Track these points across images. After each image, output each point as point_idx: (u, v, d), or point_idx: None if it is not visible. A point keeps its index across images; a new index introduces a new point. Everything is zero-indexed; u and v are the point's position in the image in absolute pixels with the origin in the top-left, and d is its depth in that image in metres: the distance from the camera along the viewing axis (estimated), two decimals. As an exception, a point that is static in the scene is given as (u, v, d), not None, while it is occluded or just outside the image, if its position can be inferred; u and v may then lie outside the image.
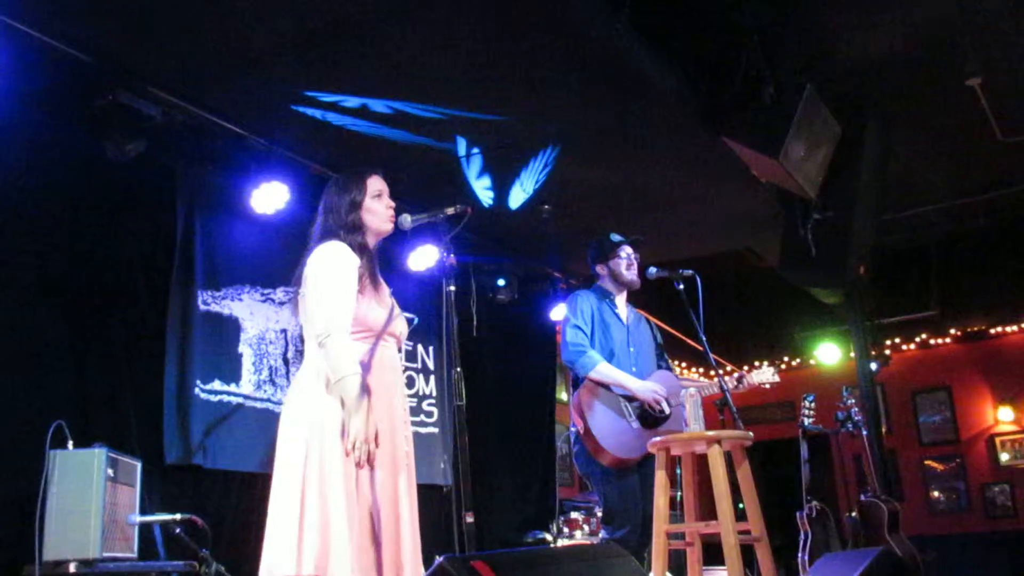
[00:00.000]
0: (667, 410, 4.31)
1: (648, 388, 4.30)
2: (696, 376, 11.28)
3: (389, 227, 3.07)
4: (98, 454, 3.59)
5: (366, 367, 2.80)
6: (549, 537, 6.70)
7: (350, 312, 2.79)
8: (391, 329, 2.93)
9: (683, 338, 8.68)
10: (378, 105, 5.13)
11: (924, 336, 10.13)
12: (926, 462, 9.97)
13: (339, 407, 2.70)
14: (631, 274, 4.58)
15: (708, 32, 4.88)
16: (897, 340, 10.20)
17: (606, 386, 4.32)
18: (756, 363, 10.99)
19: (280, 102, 4.98)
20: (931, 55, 5.15)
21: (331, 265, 2.84)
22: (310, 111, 5.08)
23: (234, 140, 5.12)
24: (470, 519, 2.77)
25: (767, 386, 4.59)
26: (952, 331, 10.00)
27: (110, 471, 3.63)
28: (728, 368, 10.15)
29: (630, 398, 4.32)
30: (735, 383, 4.45)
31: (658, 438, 3.83)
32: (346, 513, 2.61)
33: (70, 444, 3.62)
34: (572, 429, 4.40)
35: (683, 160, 6.03)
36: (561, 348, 4.53)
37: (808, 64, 5.09)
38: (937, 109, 5.80)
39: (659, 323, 5.27)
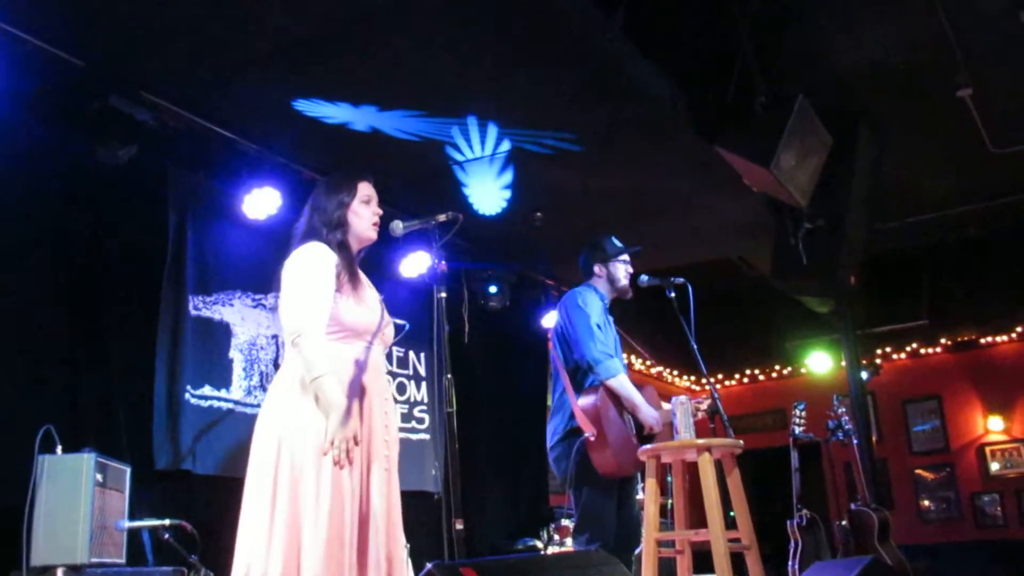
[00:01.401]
0: (658, 429, 4.28)
1: (654, 414, 4.26)
2: (687, 384, 11.31)
3: (372, 235, 3.06)
4: (87, 459, 3.57)
5: (344, 367, 2.78)
6: (540, 544, 6.69)
7: (324, 312, 2.77)
8: (372, 331, 2.90)
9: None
10: (360, 124, 5.15)
11: (915, 345, 10.18)
12: (916, 471, 10.01)
13: (314, 407, 2.69)
14: (627, 283, 4.56)
15: (701, 41, 4.91)
16: (888, 349, 10.25)
17: (616, 396, 4.26)
18: (747, 371, 11.05)
19: (272, 107, 4.98)
20: (922, 66, 5.18)
21: (305, 265, 2.83)
22: (302, 116, 5.08)
23: (226, 145, 5.13)
24: (460, 526, 2.76)
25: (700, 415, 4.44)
26: (943, 340, 10.05)
27: (99, 476, 3.61)
28: (714, 381, 10.16)
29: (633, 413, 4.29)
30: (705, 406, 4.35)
31: (648, 445, 3.83)
32: (316, 514, 2.59)
33: (59, 449, 3.60)
34: (584, 435, 4.18)
35: (675, 168, 6.05)
36: (577, 343, 4.32)
37: (800, 74, 5.12)
38: (928, 120, 5.83)
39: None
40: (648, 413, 4.25)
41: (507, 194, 6.23)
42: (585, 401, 4.24)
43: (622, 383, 4.23)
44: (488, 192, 6.20)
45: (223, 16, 4.14)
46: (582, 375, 4.33)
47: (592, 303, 4.40)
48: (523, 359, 8.06)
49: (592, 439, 4.16)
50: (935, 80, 5.29)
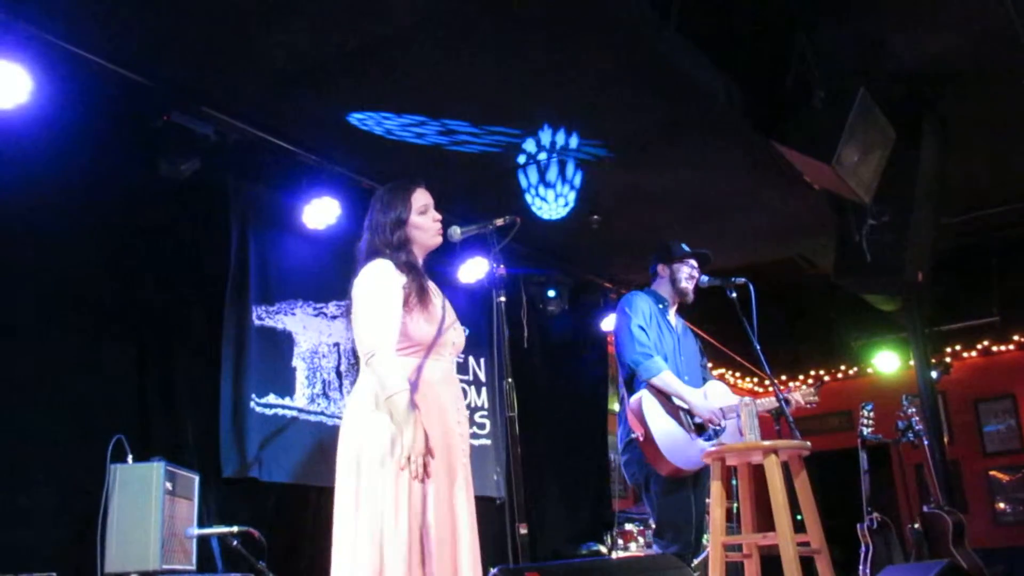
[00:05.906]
0: (723, 424, 4.23)
1: (707, 405, 4.22)
2: (750, 386, 11.15)
3: (437, 241, 3.06)
4: (157, 468, 3.65)
5: (416, 382, 2.81)
6: (603, 549, 6.65)
7: (395, 330, 2.79)
8: (442, 342, 2.92)
9: (724, 349, 8.58)
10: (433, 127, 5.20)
11: (986, 343, 9.88)
12: (990, 472, 9.71)
13: (389, 424, 2.71)
14: (689, 286, 4.53)
15: (758, 36, 4.83)
16: (958, 347, 9.96)
17: (665, 394, 4.26)
18: (812, 372, 10.86)
19: (330, 118, 5.03)
20: (989, 55, 5.03)
21: (373, 285, 2.85)
22: (361, 126, 5.13)
23: (286, 157, 5.19)
24: (524, 530, 2.75)
25: (810, 405, 4.48)
26: (1015, 337, 9.74)
27: (168, 485, 3.69)
28: (778, 382, 10.00)
29: (688, 409, 4.25)
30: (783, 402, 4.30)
31: (714, 448, 3.78)
32: (396, 527, 2.63)
33: (130, 458, 3.69)
34: (632, 435, 4.25)
35: (734, 166, 5.96)
36: (621, 347, 4.38)
37: (861, 67, 5.01)
38: (996, 110, 5.66)
39: (703, 334, 5.18)
40: (700, 403, 4.21)
41: (571, 198, 6.22)
42: (632, 402, 4.26)
43: (665, 380, 4.20)
44: (552, 197, 6.20)
45: (280, 30, 4.20)
46: (634, 379, 4.33)
47: (638, 305, 4.39)
48: (582, 362, 8.03)
49: (640, 439, 4.17)
50: (1002, 70, 5.14)
